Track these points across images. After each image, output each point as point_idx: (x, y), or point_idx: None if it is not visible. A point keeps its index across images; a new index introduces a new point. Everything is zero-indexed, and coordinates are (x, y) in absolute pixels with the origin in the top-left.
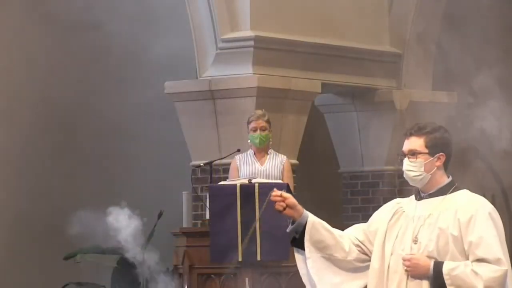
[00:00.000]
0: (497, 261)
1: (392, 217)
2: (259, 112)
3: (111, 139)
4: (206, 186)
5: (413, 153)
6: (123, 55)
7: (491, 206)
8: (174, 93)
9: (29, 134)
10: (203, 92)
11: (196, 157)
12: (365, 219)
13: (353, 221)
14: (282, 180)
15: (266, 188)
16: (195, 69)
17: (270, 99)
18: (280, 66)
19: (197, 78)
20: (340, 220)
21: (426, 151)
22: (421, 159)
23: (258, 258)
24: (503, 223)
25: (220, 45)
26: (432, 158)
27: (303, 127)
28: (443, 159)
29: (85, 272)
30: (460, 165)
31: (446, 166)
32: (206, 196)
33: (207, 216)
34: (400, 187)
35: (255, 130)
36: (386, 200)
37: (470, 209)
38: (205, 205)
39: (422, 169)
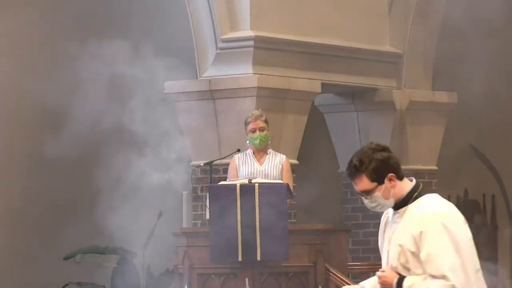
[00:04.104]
0: (443, 278)
1: (385, 229)
2: (256, 112)
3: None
4: (206, 186)
5: (366, 192)
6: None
7: (446, 213)
8: (174, 93)
9: (29, 133)
10: (203, 92)
11: (196, 157)
12: (365, 219)
13: (353, 221)
14: (281, 180)
15: (266, 188)
16: (195, 69)
17: (270, 99)
18: (280, 66)
19: (197, 78)
20: (340, 220)
21: (375, 184)
22: (376, 193)
23: (258, 258)
24: (504, 223)
25: (220, 45)
26: (384, 185)
27: (303, 127)
28: (394, 178)
29: (85, 272)
30: (460, 165)
31: (400, 176)
32: (206, 196)
33: (207, 216)
34: None
35: (254, 131)
36: None
37: (420, 224)
38: (205, 205)
39: (381, 200)
